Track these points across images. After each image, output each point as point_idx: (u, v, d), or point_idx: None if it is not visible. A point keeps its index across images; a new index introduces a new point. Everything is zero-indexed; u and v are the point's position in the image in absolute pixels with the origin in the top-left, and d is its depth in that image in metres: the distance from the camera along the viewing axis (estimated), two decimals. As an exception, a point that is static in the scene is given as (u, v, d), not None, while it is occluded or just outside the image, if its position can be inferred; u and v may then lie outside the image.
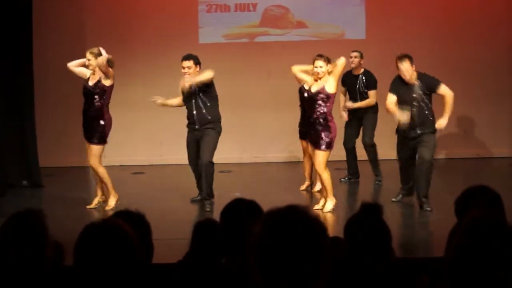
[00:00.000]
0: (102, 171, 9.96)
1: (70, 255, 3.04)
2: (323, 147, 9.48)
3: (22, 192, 11.33)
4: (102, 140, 9.95)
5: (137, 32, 13.42)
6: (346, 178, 11.70)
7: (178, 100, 10.25)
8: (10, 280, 3.52)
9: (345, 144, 11.62)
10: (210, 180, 9.91)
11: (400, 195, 10.00)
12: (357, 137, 11.62)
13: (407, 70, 9.48)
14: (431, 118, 9.71)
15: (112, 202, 9.95)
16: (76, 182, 12.29)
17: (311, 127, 9.62)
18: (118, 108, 12.01)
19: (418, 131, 9.61)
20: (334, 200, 9.58)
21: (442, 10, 13.51)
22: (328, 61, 9.61)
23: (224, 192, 9.83)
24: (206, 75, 9.86)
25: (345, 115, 11.56)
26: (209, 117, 9.94)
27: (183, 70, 9.92)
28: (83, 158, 13.54)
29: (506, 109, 13.66)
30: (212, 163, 9.95)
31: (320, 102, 9.55)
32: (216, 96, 10.06)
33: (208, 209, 9.71)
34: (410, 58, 9.58)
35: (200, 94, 9.91)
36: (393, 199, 9.94)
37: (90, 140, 9.96)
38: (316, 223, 2.32)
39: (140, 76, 13.55)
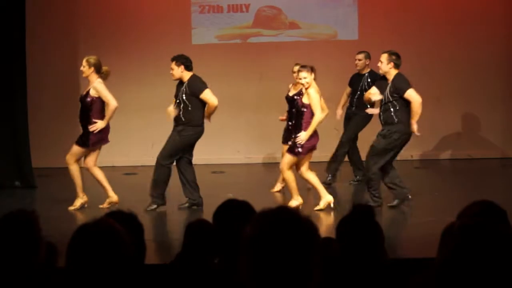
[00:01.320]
0: (73, 168, 10.04)
1: (63, 256, 3.04)
2: (293, 152, 9.54)
3: (15, 192, 11.32)
4: (83, 143, 9.91)
5: (129, 33, 13.41)
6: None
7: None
8: (3, 281, 3.52)
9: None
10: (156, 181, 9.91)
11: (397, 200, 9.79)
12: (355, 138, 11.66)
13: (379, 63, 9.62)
14: (395, 120, 9.59)
15: (77, 203, 10.00)
16: (69, 183, 12.25)
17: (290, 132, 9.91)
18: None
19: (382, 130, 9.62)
20: (300, 200, 9.61)
21: (435, 10, 13.52)
22: (312, 70, 9.60)
23: (217, 193, 9.83)
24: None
25: (339, 113, 11.61)
26: (183, 119, 9.89)
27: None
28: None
29: (499, 110, 13.69)
30: (166, 166, 9.90)
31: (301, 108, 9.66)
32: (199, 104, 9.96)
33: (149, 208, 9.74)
34: (388, 54, 9.57)
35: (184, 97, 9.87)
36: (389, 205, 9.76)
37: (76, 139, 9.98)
38: (307, 224, 2.33)
39: (132, 77, 13.54)
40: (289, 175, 9.61)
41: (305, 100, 9.63)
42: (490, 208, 3.89)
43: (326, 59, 13.22)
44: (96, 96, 9.81)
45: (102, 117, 9.86)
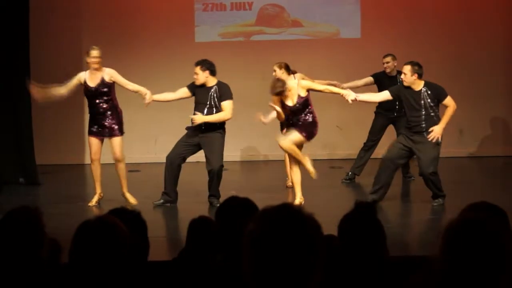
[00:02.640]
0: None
1: (66, 252, 3.05)
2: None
3: (18, 189, 11.32)
4: (121, 131, 10.04)
5: (133, 31, 13.41)
6: None
7: (172, 96, 10.19)
8: (7, 277, 3.52)
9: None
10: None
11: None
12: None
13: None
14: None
15: (132, 200, 10.00)
16: (73, 180, 12.29)
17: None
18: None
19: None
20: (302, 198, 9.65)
21: (437, 9, 13.51)
22: (282, 67, 9.79)
23: (220, 190, 9.85)
24: (217, 116, 9.87)
25: (345, 86, 11.27)
26: (218, 124, 9.94)
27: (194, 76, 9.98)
28: (80, 156, 13.61)
29: (500, 109, 13.68)
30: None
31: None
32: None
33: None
34: (411, 65, 9.71)
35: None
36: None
37: (113, 133, 9.93)
38: (310, 221, 2.33)
39: (136, 74, 13.50)
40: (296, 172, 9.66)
41: (302, 93, 9.65)
42: (490, 210, 3.88)
43: (329, 57, 13.23)
44: (112, 81, 9.86)
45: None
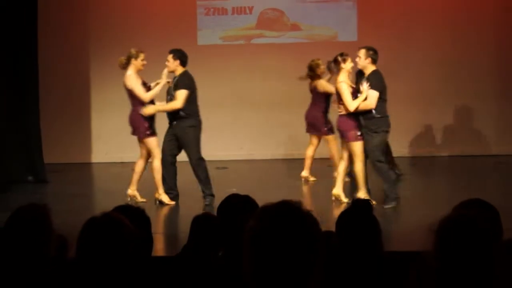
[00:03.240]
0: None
1: (73, 248, 3.05)
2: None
3: (27, 187, 11.31)
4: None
5: (138, 35, 13.40)
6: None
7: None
8: (16, 272, 3.52)
9: None
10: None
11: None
12: None
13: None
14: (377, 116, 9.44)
15: (165, 198, 9.88)
16: (80, 178, 12.29)
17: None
18: (120, 108, 12.02)
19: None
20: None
21: (432, 12, 13.50)
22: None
23: (221, 188, 9.83)
24: (168, 106, 9.78)
25: None
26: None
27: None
28: (87, 155, 13.61)
29: (492, 108, 13.67)
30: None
31: None
32: None
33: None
34: (366, 49, 9.50)
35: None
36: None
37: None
38: (308, 218, 2.33)
39: (141, 76, 13.53)
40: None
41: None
42: (482, 207, 3.88)
43: (327, 59, 13.21)
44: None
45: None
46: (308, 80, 11.14)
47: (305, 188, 11.00)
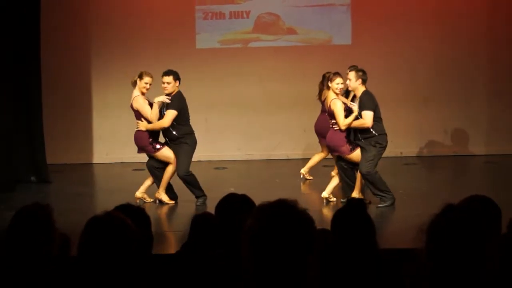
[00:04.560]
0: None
1: (75, 246, 3.05)
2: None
3: (30, 187, 11.30)
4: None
5: (138, 39, 13.39)
6: None
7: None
8: (20, 269, 3.52)
9: None
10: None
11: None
12: None
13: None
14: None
15: (165, 197, 9.91)
16: (82, 178, 12.28)
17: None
18: (120, 110, 12.02)
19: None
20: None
21: (425, 15, 13.50)
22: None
23: (219, 188, 9.83)
24: (156, 125, 9.75)
25: None
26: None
27: (162, 85, 9.77)
28: (88, 155, 13.60)
29: (483, 109, 13.68)
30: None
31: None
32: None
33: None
34: (356, 71, 9.55)
35: None
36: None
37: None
38: (304, 216, 2.33)
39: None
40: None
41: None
42: (487, 204, 3.87)
43: (322, 62, 13.20)
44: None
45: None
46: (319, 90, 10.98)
47: (301, 187, 11.00)
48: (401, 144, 13.34)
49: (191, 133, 9.90)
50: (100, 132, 13.61)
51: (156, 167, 9.91)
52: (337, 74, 9.76)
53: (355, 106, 9.45)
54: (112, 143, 13.36)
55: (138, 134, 9.85)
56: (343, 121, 9.41)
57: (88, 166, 13.29)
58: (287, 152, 13.47)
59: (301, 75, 12.92)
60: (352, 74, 9.54)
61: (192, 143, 9.86)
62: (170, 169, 9.83)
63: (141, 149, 9.94)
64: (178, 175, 9.78)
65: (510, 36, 13.48)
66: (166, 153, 9.82)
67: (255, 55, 13.66)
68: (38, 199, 8.34)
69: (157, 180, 9.89)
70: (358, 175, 9.52)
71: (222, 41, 13.77)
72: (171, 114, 9.69)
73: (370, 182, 9.47)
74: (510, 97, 13.54)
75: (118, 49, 13.17)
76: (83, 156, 13.46)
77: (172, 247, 7.56)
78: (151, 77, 9.83)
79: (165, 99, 9.72)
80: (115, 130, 13.07)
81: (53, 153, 12.44)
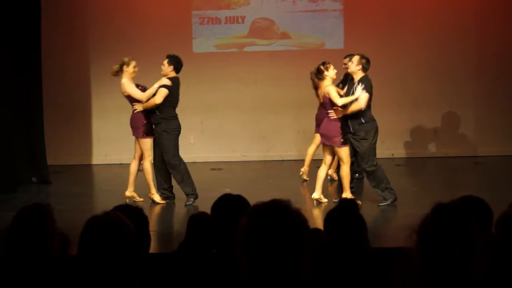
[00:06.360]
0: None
1: (75, 245, 3.04)
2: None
3: (31, 188, 11.28)
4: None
5: (136, 43, 13.38)
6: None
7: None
8: (20, 268, 3.51)
9: None
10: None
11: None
12: None
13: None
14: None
15: (157, 197, 9.88)
16: (81, 179, 12.26)
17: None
18: (118, 113, 12.01)
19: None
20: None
21: (416, 20, 13.51)
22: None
23: (215, 188, 9.81)
24: (150, 102, 9.72)
25: None
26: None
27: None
28: (88, 156, 13.59)
29: (472, 111, 13.71)
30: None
31: None
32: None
33: None
34: (360, 57, 9.44)
35: None
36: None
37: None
38: (297, 216, 2.33)
39: (138, 82, 13.51)
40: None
41: None
42: (479, 204, 3.86)
43: (315, 66, 13.21)
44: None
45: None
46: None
47: (296, 188, 10.99)
48: (392, 146, 13.35)
49: (173, 118, 9.78)
50: (99, 134, 13.61)
51: (162, 163, 9.86)
52: (329, 63, 9.66)
53: (359, 89, 9.28)
54: (111, 145, 13.36)
55: (135, 116, 9.85)
56: (339, 99, 9.25)
57: (88, 167, 13.28)
58: (281, 153, 13.48)
59: (295, 78, 12.91)
60: (356, 58, 9.44)
61: (171, 130, 9.74)
62: (147, 168, 9.80)
63: (134, 130, 9.92)
64: (166, 161, 9.73)
65: (498, 39, 13.51)
66: (148, 144, 9.79)
67: (250, 59, 13.66)
68: (39, 199, 8.35)
69: (163, 178, 9.89)
70: (344, 175, 9.32)
71: (218, 46, 13.78)
72: (163, 91, 9.68)
73: (373, 178, 9.42)
74: (497, 99, 13.57)
75: (115, 54, 13.09)
76: (82, 158, 13.45)
77: (169, 246, 7.55)
78: (135, 59, 9.92)
79: (164, 82, 9.75)
80: (114, 132, 13.07)
81: (54, 154, 12.42)
